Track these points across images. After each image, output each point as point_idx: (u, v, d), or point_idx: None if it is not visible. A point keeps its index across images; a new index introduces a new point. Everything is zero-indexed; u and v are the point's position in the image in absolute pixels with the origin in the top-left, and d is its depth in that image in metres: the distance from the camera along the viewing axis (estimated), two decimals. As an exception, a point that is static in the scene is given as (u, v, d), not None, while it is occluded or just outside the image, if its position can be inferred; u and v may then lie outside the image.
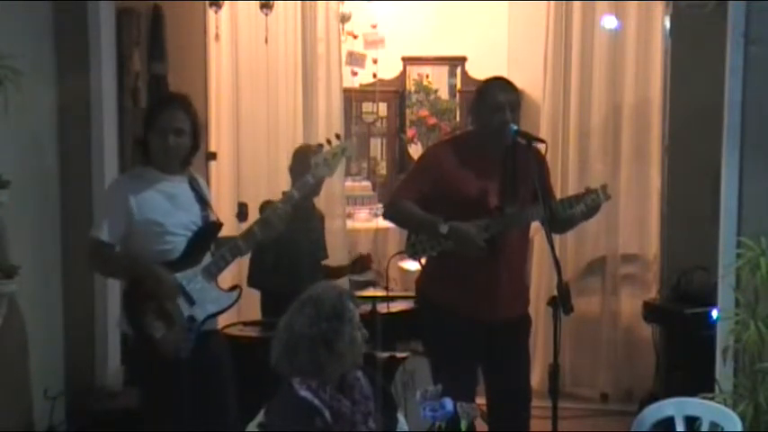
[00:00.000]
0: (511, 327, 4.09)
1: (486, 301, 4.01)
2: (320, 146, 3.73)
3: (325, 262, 5.37)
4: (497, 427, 4.08)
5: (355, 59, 7.10)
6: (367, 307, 4.72)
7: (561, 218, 4.00)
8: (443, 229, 3.86)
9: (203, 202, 3.80)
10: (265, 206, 4.85)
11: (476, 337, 4.02)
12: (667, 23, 5.89)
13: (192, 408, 3.61)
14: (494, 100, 3.99)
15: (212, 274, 3.68)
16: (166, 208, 3.68)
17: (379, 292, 5.17)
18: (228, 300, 3.74)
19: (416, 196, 4.01)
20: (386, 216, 4.29)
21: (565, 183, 6.14)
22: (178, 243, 3.66)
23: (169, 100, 3.88)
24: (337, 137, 3.83)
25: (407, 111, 7.66)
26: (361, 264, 5.34)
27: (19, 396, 4.15)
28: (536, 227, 4.64)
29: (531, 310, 4.39)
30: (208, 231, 3.75)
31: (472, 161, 4.03)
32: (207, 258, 3.70)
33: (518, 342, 4.15)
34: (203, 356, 3.69)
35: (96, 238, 3.64)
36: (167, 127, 3.68)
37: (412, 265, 5.51)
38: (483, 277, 4.00)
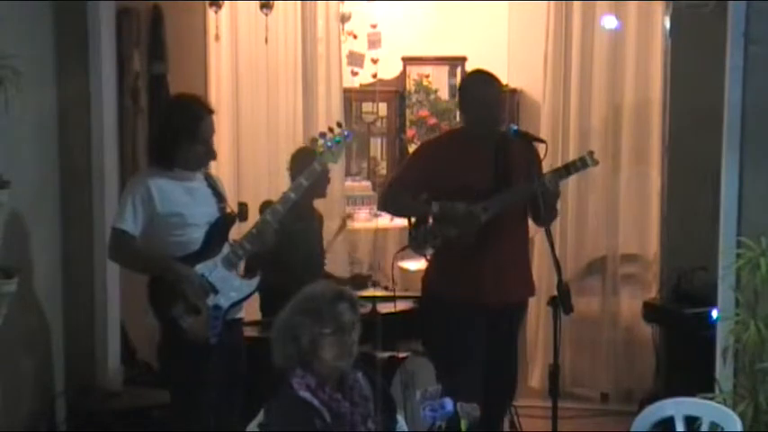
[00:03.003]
0: (512, 313, 4.23)
1: (493, 283, 4.07)
2: (322, 134, 3.78)
3: (326, 266, 5.38)
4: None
5: (355, 59, 7.09)
6: (366, 309, 4.71)
7: (554, 191, 4.08)
8: (435, 207, 3.97)
9: (219, 196, 3.90)
10: (265, 206, 4.85)
11: (483, 325, 4.09)
12: (667, 23, 5.88)
13: (220, 393, 3.75)
14: (476, 96, 4.10)
15: (232, 263, 3.79)
16: (187, 201, 3.78)
17: (379, 292, 5.16)
18: (249, 287, 3.86)
19: (409, 188, 4.11)
20: (380, 206, 4.37)
21: (564, 182, 6.12)
22: (198, 235, 3.76)
23: (206, 110, 3.88)
24: (339, 125, 3.87)
25: (407, 111, 7.65)
26: (358, 281, 5.37)
27: (20, 396, 4.15)
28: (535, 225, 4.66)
29: (531, 311, 4.41)
30: (225, 223, 3.86)
31: (463, 154, 4.11)
32: (225, 249, 3.79)
33: (514, 329, 4.33)
34: (230, 343, 3.80)
35: (119, 229, 3.71)
36: (209, 137, 3.81)
37: (412, 265, 5.52)
38: (487, 260, 4.07)
